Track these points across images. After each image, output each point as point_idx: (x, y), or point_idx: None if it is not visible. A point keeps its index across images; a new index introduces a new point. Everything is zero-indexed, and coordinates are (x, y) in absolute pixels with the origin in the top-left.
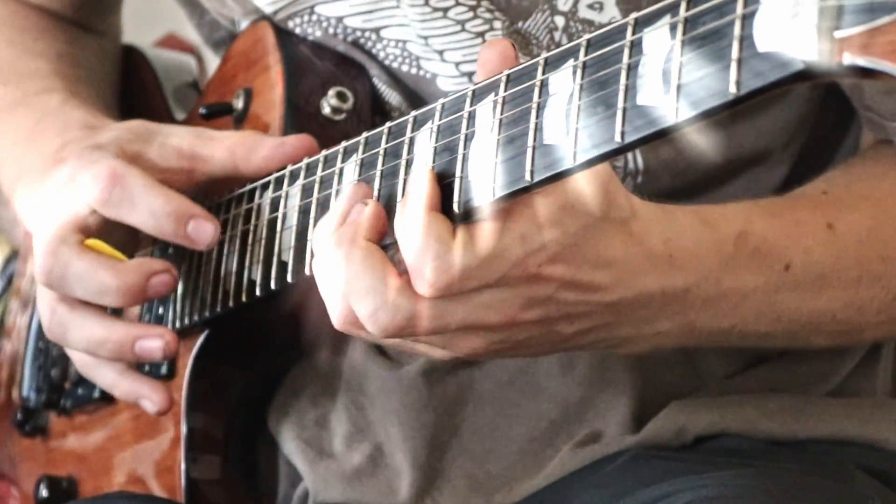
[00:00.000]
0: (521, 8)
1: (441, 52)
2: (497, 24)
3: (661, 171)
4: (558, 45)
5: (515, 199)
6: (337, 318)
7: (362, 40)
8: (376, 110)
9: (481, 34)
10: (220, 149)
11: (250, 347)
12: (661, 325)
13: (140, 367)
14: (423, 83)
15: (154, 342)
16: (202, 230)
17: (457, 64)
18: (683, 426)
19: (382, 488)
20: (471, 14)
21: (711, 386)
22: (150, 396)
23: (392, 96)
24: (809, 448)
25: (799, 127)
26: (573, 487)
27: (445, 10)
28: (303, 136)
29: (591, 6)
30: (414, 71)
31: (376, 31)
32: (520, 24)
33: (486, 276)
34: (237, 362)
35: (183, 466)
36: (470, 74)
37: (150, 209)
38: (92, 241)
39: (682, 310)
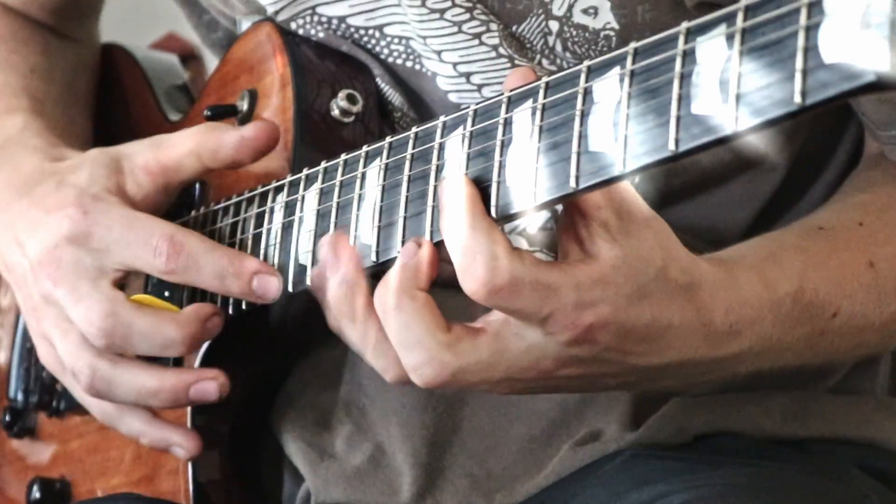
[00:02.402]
0: (516, 12)
1: (439, 53)
2: (493, 27)
3: (659, 171)
4: (552, 49)
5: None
6: (387, 374)
7: (365, 38)
8: (380, 111)
9: (478, 35)
10: (184, 154)
11: (257, 348)
12: (705, 378)
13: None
14: (424, 80)
15: (209, 385)
16: (267, 285)
17: (454, 64)
18: (683, 424)
19: (384, 488)
20: (467, 16)
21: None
22: (181, 443)
23: (394, 97)
24: (808, 447)
25: (797, 128)
26: (573, 486)
27: (442, 11)
28: (258, 124)
29: (585, 11)
30: (417, 67)
31: (379, 28)
32: (514, 27)
33: (534, 302)
34: (244, 363)
35: (190, 469)
36: (467, 75)
37: (216, 272)
38: (141, 297)
39: (729, 366)
